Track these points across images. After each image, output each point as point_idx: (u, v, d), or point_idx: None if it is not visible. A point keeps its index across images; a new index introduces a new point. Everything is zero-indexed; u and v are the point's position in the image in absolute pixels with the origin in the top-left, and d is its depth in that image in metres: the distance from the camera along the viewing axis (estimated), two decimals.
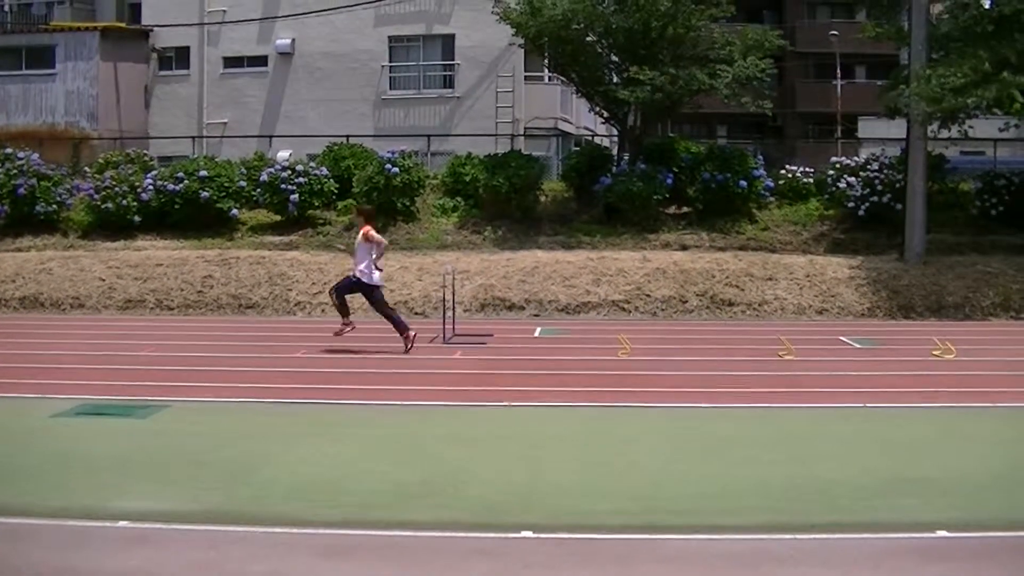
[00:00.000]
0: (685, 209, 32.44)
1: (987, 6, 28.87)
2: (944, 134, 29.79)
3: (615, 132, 36.41)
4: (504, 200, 31.46)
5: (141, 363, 18.92)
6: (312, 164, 32.93)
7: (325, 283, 27.90)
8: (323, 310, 27.02)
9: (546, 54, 34.87)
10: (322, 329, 24.02)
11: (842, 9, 64.35)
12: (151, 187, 32.24)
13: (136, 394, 15.49)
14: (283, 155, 36.49)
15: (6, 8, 49.20)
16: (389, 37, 43.19)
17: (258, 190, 32.59)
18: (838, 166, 32.17)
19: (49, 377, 17.03)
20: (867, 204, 30.74)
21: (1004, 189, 30.96)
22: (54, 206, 32.93)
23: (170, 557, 8.17)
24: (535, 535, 8.68)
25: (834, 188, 31.71)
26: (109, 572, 7.79)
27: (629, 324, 25.10)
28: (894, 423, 13.84)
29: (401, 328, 20.38)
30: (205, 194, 31.70)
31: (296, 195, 31.55)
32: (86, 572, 7.80)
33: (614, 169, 32.23)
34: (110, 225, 32.45)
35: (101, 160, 36.02)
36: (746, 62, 31.00)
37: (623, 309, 26.80)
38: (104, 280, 28.89)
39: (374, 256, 20.35)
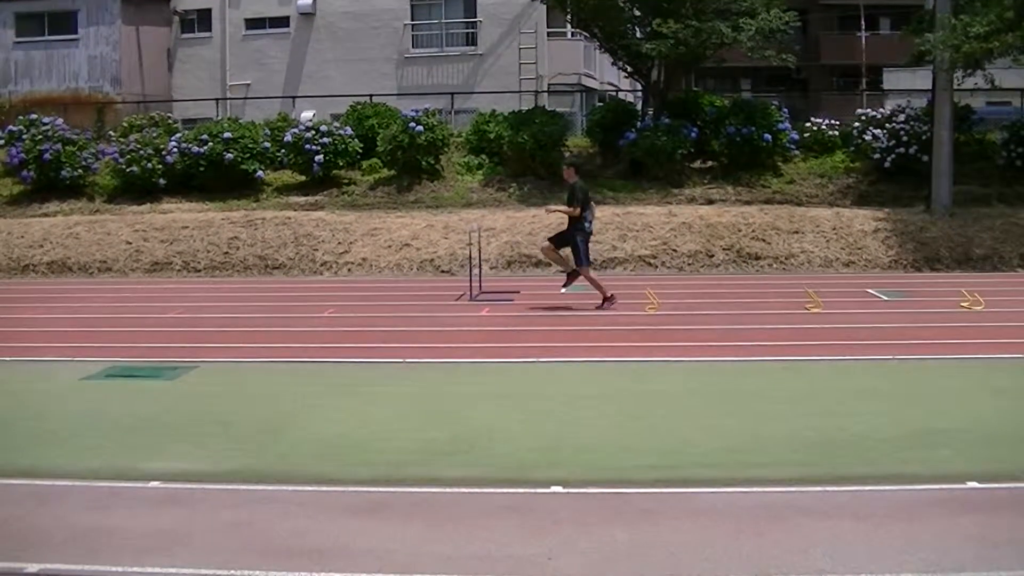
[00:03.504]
0: (710, 163, 32.28)
1: None
2: (969, 83, 29.54)
3: (639, 87, 36.27)
4: (529, 157, 31.35)
5: (169, 325, 19.01)
6: (336, 124, 32.88)
7: (351, 243, 27.97)
8: (349, 269, 27.08)
9: (568, 9, 34.67)
10: (349, 289, 24.09)
11: None
12: (175, 150, 32.26)
13: (164, 356, 15.56)
14: (307, 115, 36.49)
15: None
16: None
17: (282, 151, 32.57)
18: (863, 118, 31.95)
19: (78, 340, 17.11)
20: (893, 156, 30.54)
21: None
22: (79, 171, 32.99)
23: (201, 517, 8.21)
24: (564, 490, 8.69)
25: (860, 140, 31.52)
26: (141, 532, 7.83)
27: (656, 279, 25.05)
28: (924, 375, 13.80)
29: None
30: (229, 156, 31.69)
31: (321, 155, 31.51)
32: (118, 532, 7.83)
33: (638, 124, 32.05)
34: (135, 188, 32.49)
35: (125, 124, 36.12)
36: (769, 14, 30.78)
37: (649, 264, 26.76)
38: (131, 243, 28.98)
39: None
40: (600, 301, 20.10)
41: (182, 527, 7.95)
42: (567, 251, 20.54)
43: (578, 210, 19.86)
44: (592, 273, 20.89)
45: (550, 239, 20.99)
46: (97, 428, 11.26)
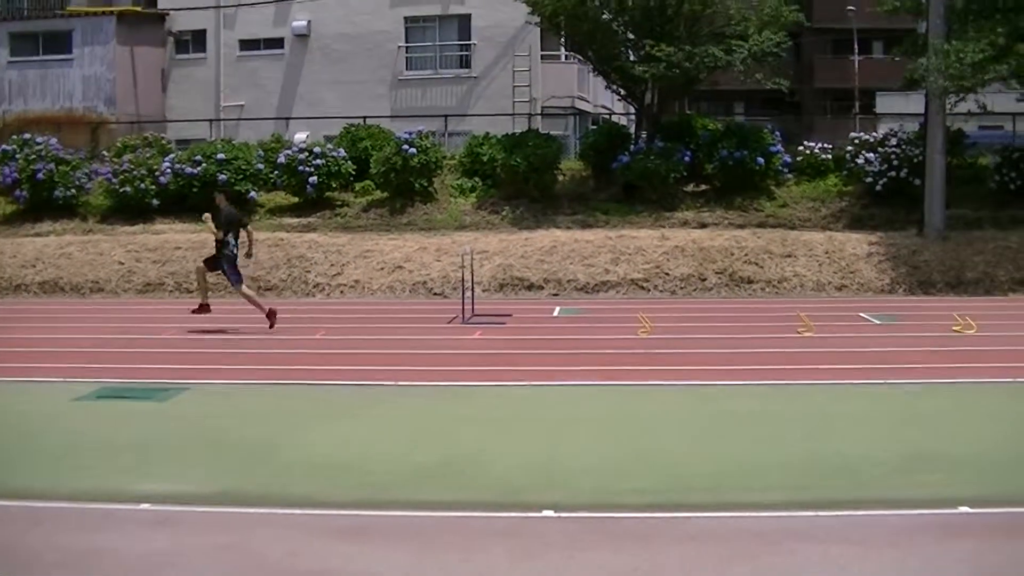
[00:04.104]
0: (703, 186, 32.37)
1: None
2: (961, 107, 29.67)
3: (632, 110, 36.33)
4: (522, 180, 31.42)
5: (160, 346, 18.97)
6: (329, 146, 32.93)
7: (344, 265, 27.97)
8: (341, 291, 27.06)
9: (562, 32, 34.80)
10: (341, 311, 24.09)
11: None
12: (169, 170, 32.31)
13: (156, 377, 15.52)
14: (300, 137, 36.50)
15: None
16: (405, 18, 43.12)
17: (276, 172, 32.65)
18: (856, 142, 32.06)
19: (70, 361, 17.08)
20: (885, 180, 30.64)
21: (1022, 162, 30.78)
22: (73, 190, 33.02)
23: (192, 539, 8.19)
24: (556, 514, 8.67)
25: (852, 164, 31.62)
26: (132, 554, 7.81)
27: (648, 302, 25.07)
28: (915, 399, 13.79)
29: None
30: (223, 177, 31.71)
31: (314, 177, 31.56)
32: (109, 554, 7.81)
33: (632, 147, 32.16)
34: (128, 209, 32.51)
35: (119, 144, 36.11)
36: (761, 36, 30.89)
37: (642, 287, 26.78)
38: (123, 264, 28.96)
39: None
40: (267, 322, 20.75)
41: (173, 549, 7.93)
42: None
43: (221, 233, 20.68)
44: (247, 290, 21.67)
45: (205, 260, 21.85)
46: (88, 449, 11.23)
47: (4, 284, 28.67)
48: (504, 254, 28.05)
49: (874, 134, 32.79)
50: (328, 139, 34.62)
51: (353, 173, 32.69)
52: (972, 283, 26.60)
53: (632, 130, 35.28)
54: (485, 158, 32.49)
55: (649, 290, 26.71)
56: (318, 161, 31.78)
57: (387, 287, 27.18)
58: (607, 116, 42.90)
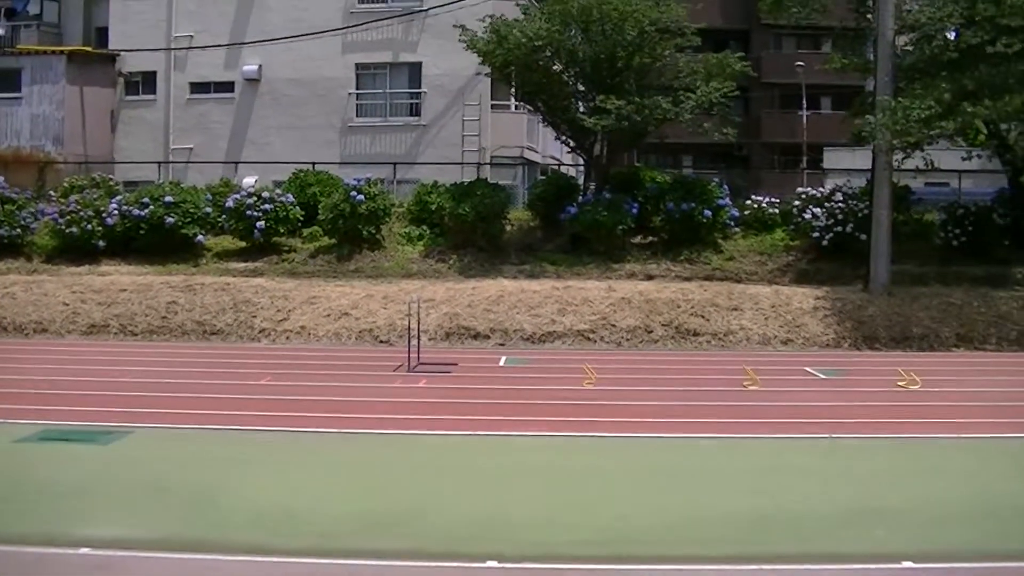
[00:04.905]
0: (651, 239, 32.44)
1: (951, 37, 29.17)
2: (908, 164, 29.97)
3: (581, 162, 36.46)
4: (470, 229, 31.42)
5: (104, 389, 18.80)
6: (278, 191, 32.84)
7: (290, 311, 27.83)
8: (287, 337, 26.92)
9: (513, 83, 34.86)
10: (286, 357, 23.96)
11: (808, 40, 64.76)
12: (116, 212, 32.10)
13: (99, 420, 15.38)
14: (248, 181, 36.37)
15: None
16: (356, 64, 43.12)
17: (223, 216, 32.49)
18: (803, 197, 32.24)
19: (12, 402, 16.89)
20: (831, 235, 30.80)
21: (966, 220, 31.11)
22: (18, 230, 32.74)
23: None
24: (499, 565, 8.65)
25: (799, 219, 31.77)
26: None
27: (594, 354, 25.06)
28: (859, 454, 13.86)
29: None
30: (170, 219, 31.56)
31: (262, 222, 31.44)
32: None
33: (580, 198, 32.25)
34: (74, 250, 32.26)
35: (66, 184, 35.89)
36: (708, 87, 31.09)
37: (588, 339, 26.77)
38: (68, 305, 28.70)
39: None
40: None
41: None
42: None
43: None
44: None
45: None
46: (28, 492, 11.10)
47: None
48: (451, 303, 28.00)
49: (821, 189, 33.00)
50: (277, 184, 34.52)
51: (301, 219, 32.62)
52: (917, 339, 26.77)
53: (580, 181, 35.39)
54: (433, 206, 32.51)
55: (595, 341, 26.72)
56: (266, 206, 31.68)
57: (333, 334, 27.06)
58: (556, 167, 43.04)
